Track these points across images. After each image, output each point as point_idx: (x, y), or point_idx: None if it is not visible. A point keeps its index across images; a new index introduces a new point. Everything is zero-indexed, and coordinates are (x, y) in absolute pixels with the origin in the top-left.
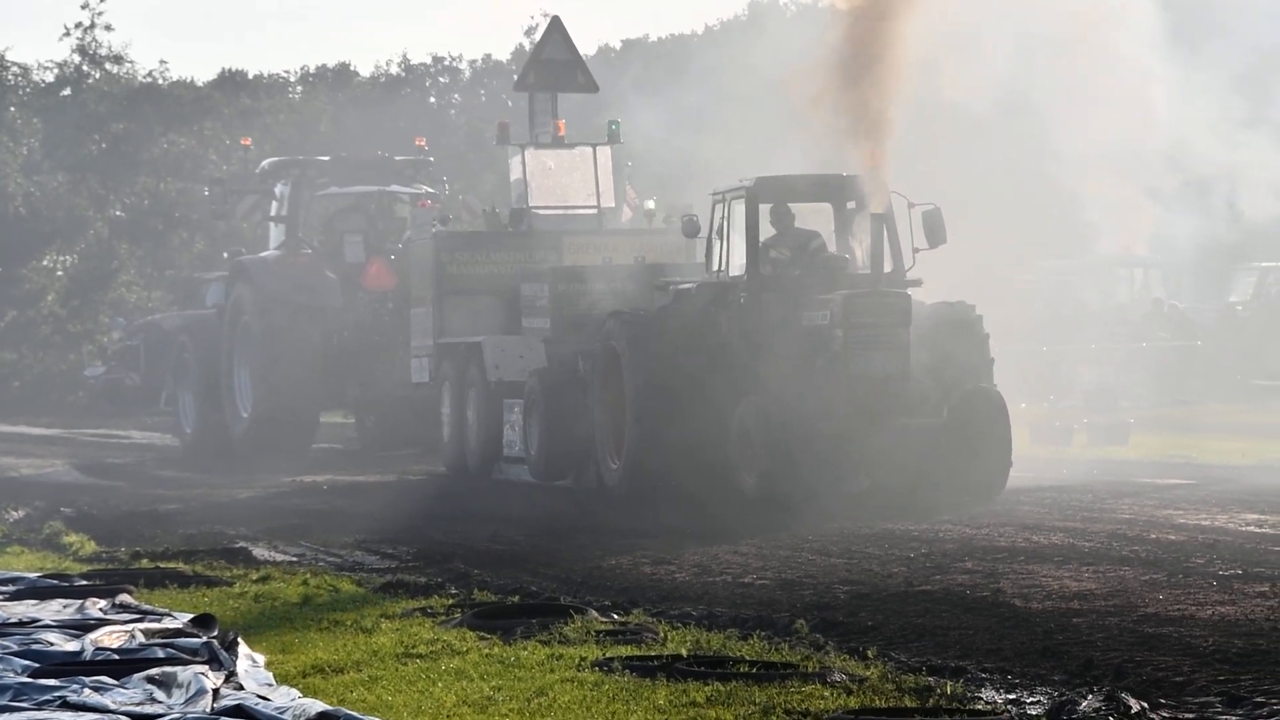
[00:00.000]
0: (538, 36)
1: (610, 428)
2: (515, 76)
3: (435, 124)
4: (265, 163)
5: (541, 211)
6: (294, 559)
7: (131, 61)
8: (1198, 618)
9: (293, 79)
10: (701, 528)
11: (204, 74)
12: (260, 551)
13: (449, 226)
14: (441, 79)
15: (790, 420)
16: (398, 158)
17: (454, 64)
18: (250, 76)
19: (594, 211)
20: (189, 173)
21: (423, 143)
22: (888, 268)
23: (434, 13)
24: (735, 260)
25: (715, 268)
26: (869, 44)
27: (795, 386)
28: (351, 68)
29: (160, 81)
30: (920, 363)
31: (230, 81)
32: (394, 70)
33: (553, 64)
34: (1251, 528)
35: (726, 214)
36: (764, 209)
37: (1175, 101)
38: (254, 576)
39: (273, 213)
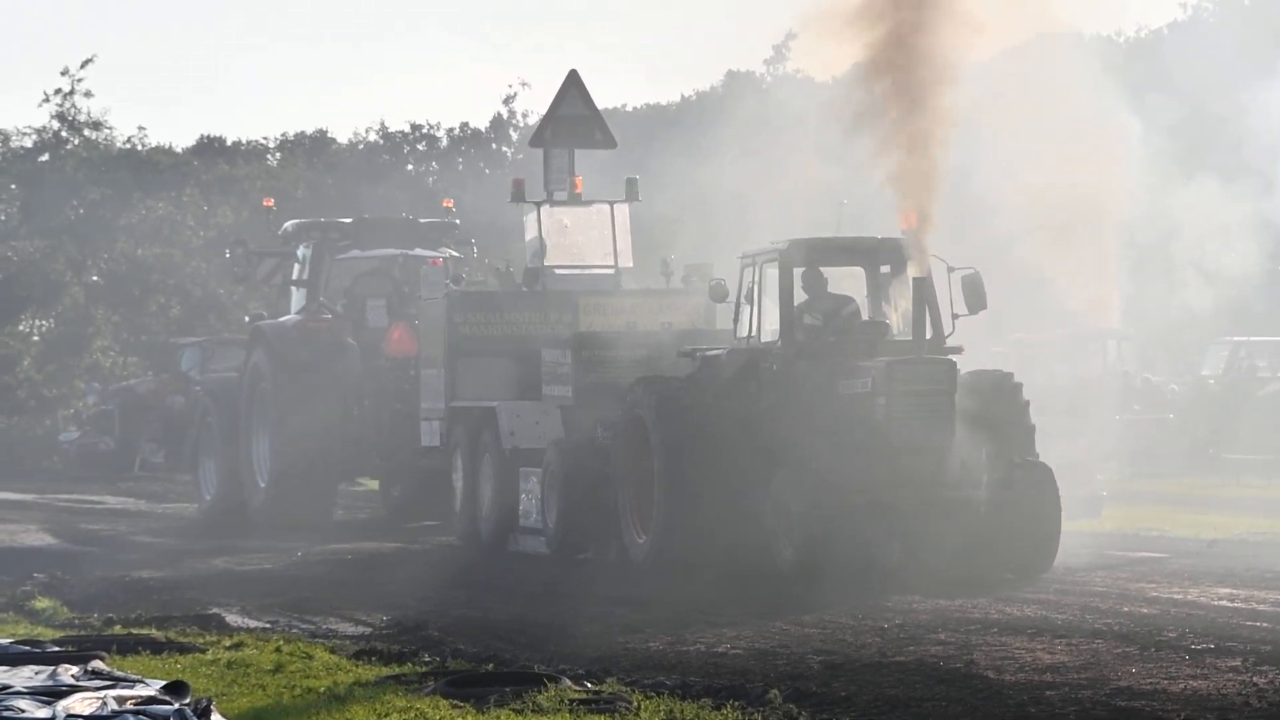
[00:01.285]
0: (516, 105)
1: (635, 499)
2: (494, 144)
3: (414, 192)
4: (287, 224)
5: (558, 271)
6: (267, 626)
7: (110, 128)
8: (1170, 691)
9: (271, 145)
10: (678, 597)
11: (183, 140)
12: (234, 618)
13: (462, 286)
14: (420, 146)
15: (830, 492)
16: (423, 220)
17: (432, 132)
18: (229, 143)
19: (612, 271)
20: (166, 238)
21: (450, 204)
22: (928, 333)
23: (412, 81)
24: (767, 326)
25: (745, 333)
26: (913, 110)
27: (833, 457)
28: (329, 134)
29: (139, 147)
30: (960, 432)
31: (209, 148)
32: (372, 138)
33: (570, 119)
34: (1224, 602)
35: (757, 278)
36: (796, 273)
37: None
38: (227, 643)
39: (294, 276)
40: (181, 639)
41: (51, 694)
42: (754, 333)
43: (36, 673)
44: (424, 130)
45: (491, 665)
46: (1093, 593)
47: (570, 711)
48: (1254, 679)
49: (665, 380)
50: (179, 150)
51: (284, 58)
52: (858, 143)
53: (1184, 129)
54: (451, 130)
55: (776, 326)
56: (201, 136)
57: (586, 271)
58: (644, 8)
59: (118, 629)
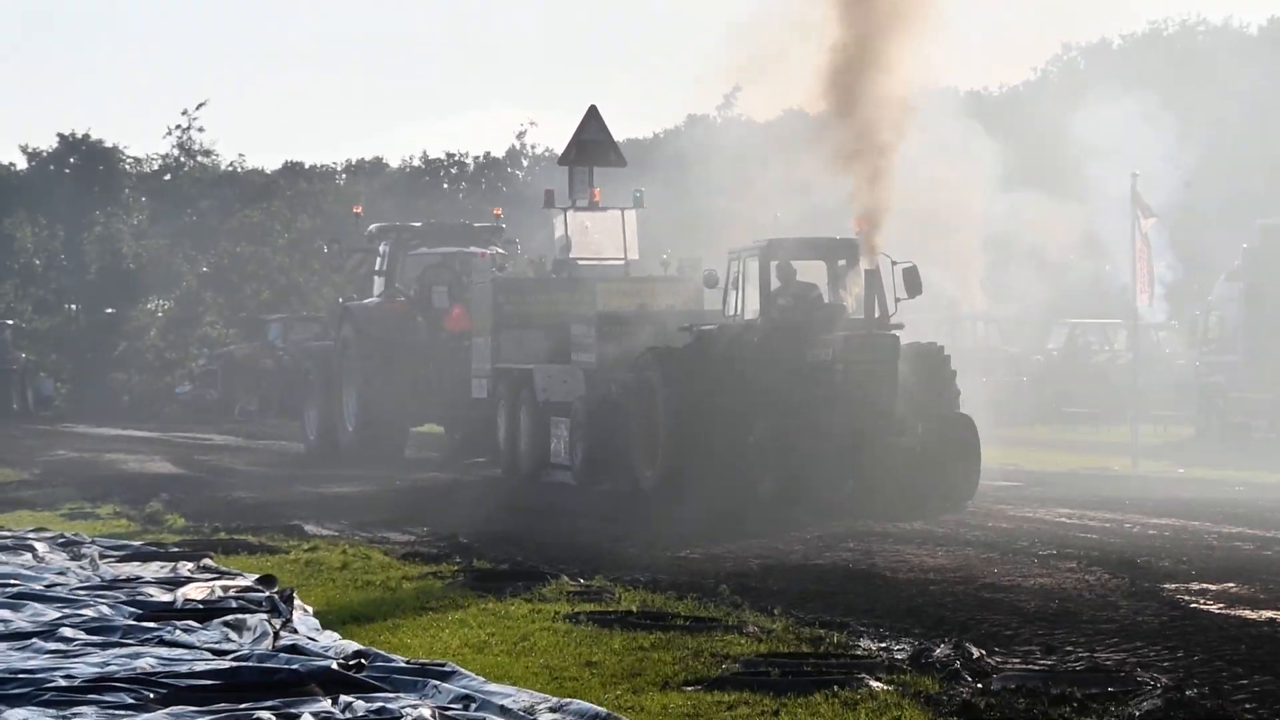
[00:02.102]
0: (528, 139)
1: (645, 442)
2: (509, 169)
3: (450, 206)
4: (372, 226)
5: (580, 262)
6: (336, 534)
7: (217, 154)
8: (1023, 586)
9: (338, 169)
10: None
11: (271, 164)
12: (311, 528)
13: (505, 274)
14: (453, 170)
15: (799, 438)
16: (477, 225)
17: (461, 159)
18: (306, 166)
19: (622, 262)
20: (258, 239)
21: (499, 212)
22: (876, 313)
23: (449, 118)
24: (749, 307)
25: (731, 313)
26: (864, 138)
27: (802, 410)
28: (383, 160)
29: (238, 170)
30: (902, 391)
31: (291, 171)
32: (416, 163)
33: (590, 143)
34: (1063, 519)
35: (741, 269)
36: (772, 265)
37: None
38: (305, 547)
39: (376, 267)
40: (270, 543)
41: (173, 583)
42: (738, 312)
43: (161, 567)
44: (456, 158)
45: (507, 565)
46: (966, 512)
47: (567, 600)
48: (1086, 576)
49: (669, 350)
50: (268, 171)
51: (349, 100)
52: (812, 165)
53: (1029, 156)
54: (477, 158)
55: (756, 308)
56: (286, 161)
57: (603, 262)
58: (622, 65)
59: (222, 535)
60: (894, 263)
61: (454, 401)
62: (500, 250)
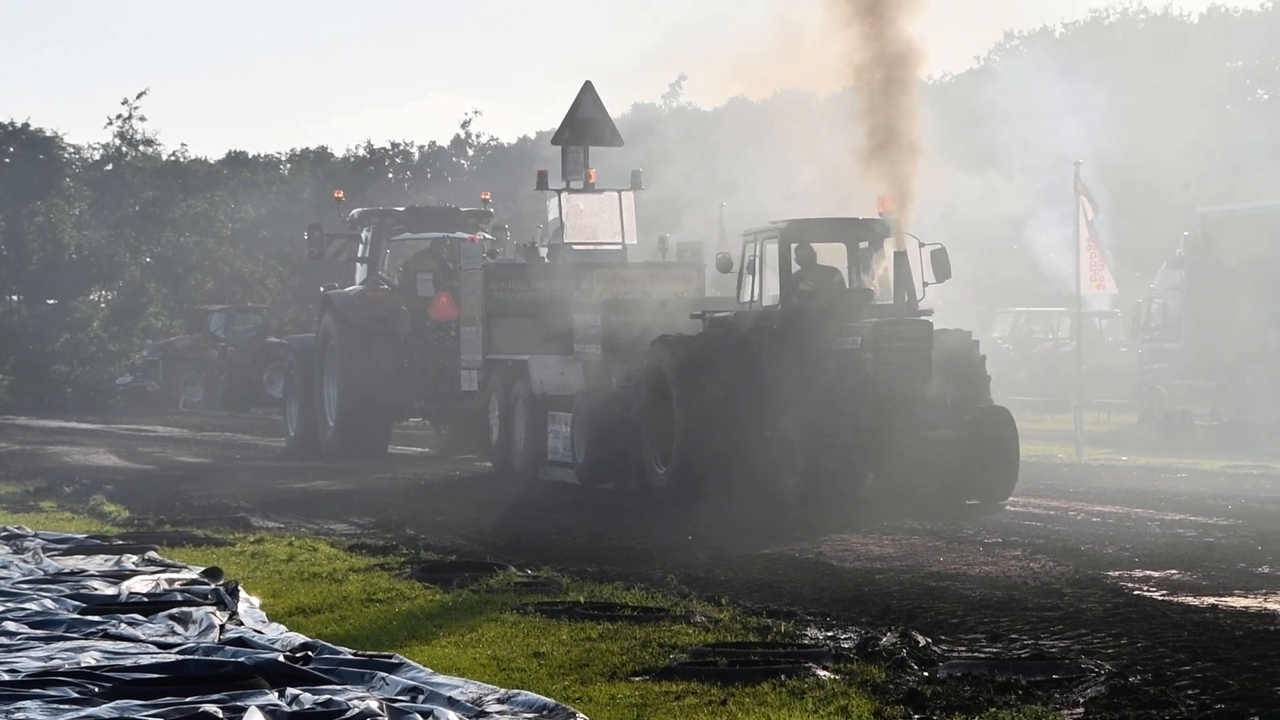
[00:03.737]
0: (472, 128)
1: (655, 438)
2: (454, 158)
3: (392, 195)
4: (354, 211)
5: (575, 247)
6: (282, 526)
7: (159, 144)
8: (969, 575)
9: (283, 158)
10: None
11: (214, 153)
12: (256, 520)
13: (496, 260)
14: (398, 160)
15: (826, 431)
16: (463, 209)
17: (407, 148)
18: (250, 156)
19: (619, 247)
20: (202, 229)
21: (487, 196)
22: (904, 299)
23: (393, 107)
24: (768, 292)
25: (748, 298)
26: (895, 118)
27: (828, 402)
28: (328, 150)
29: (181, 159)
30: (933, 381)
31: (235, 160)
32: (361, 153)
33: (585, 122)
34: (1009, 507)
35: (758, 252)
36: (792, 247)
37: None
38: (251, 539)
39: (358, 254)
40: (216, 535)
41: (117, 576)
42: (755, 298)
43: (105, 560)
44: (401, 147)
45: (454, 557)
46: (911, 501)
47: (515, 591)
48: (1030, 565)
49: (682, 338)
50: (212, 161)
51: (293, 89)
52: (802, 145)
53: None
54: (422, 147)
55: (776, 293)
56: (229, 151)
57: (599, 247)
58: (563, 51)
59: (167, 527)
60: (921, 244)
61: (440, 394)
62: (489, 235)
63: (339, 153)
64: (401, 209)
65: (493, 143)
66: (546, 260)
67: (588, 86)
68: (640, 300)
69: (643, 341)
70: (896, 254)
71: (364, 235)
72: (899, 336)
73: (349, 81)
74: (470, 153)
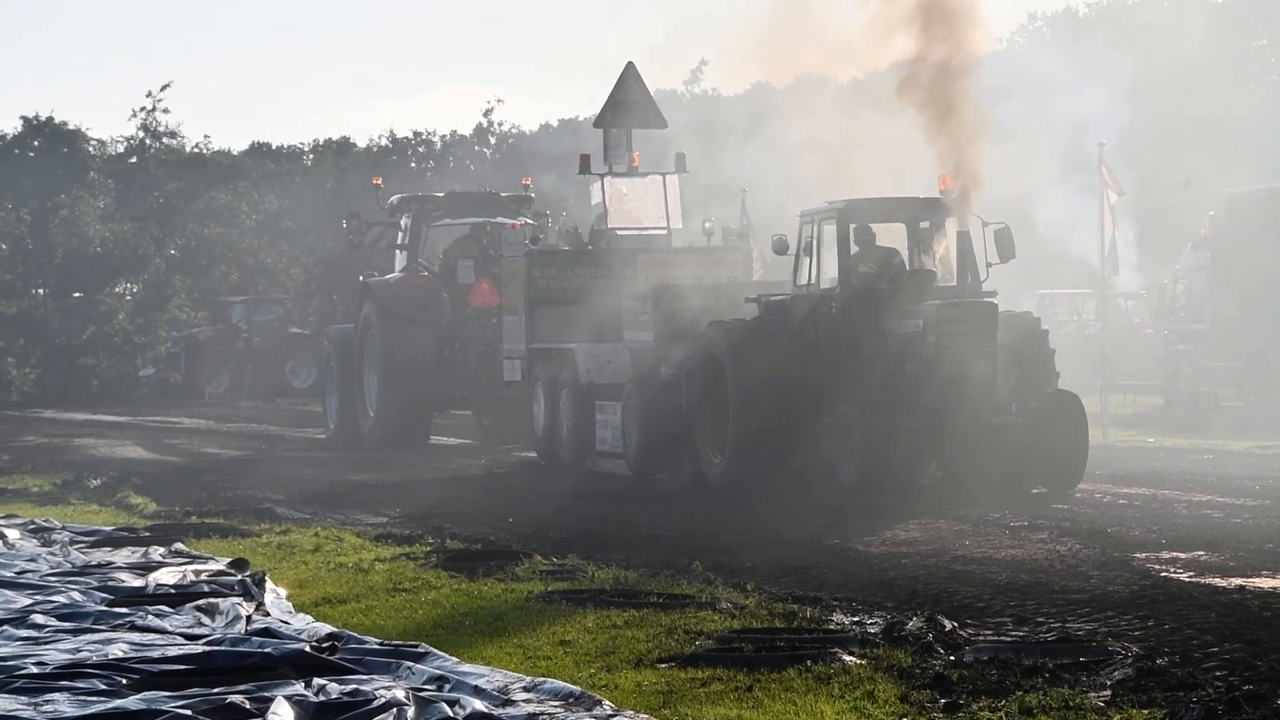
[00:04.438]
0: (495, 117)
1: (710, 426)
2: (476, 146)
3: (415, 184)
4: (393, 198)
5: (618, 232)
6: (309, 516)
7: (183, 136)
8: (995, 558)
9: (306, 149)
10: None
11: (238, 145)
12: (282, 511)
13: (539, 246)
14: (420, 149)
15: (887, 418)
16: (503, 194)
17: (429, 138)
18: (273, 147)
19: (664, 232)
20: (226, 221)
21: (528, 181)
22: (968, 280)
23: (415, 97)
24: (826, 274)
25: (805, 281)
26: (957, 96)
27: (889, 388)
28: (350, 140)
29: (204, 151)
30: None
31: (258, 151)
32: (384, 142)
33: (627, 104)
34: (1035, 491)
35: (815, 233)
36: (850, 227)
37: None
38: (277, 530)
39: (397, 241)
40: (243, 526)
41: (144, 568)
42: (813, 281)
43: (133, 552)
44: (423, 136)
45: (480, 545)
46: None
47: (540, 579)
48: (1057, 547)
49: (737, 323)
50: (235, 153)
51: (315, 80)
52: (839, 126)
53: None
54: (444, 136)
55: (834, 275)
56: (252, 142)
57: (643, 232)
58: (584, 37)
59: (194, 519)
60: (985, 224)
61: (482, 383)
62: (530, 221)
63: (361, 143)
64: (441, 194)
65: (514, 130)
66: (590, 247)
67: (630, 68)
68: (692, 286)
69: (696, 328)
70: (960, 233)
71: (403, 222)
72: (962, 319)
73: (370, 72)
74: (493, 141)
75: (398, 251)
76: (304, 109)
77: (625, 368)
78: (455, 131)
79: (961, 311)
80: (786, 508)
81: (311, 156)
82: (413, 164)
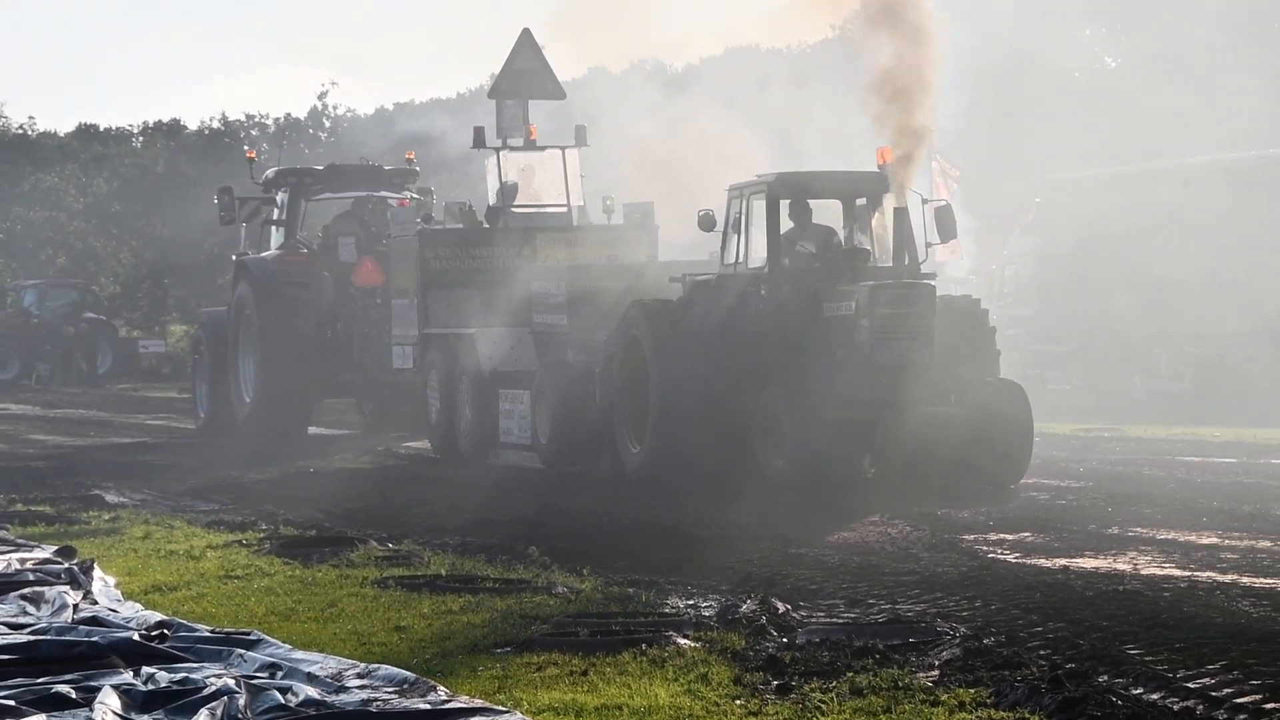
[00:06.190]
0: (329, 100)
1: (629, 414)
2: (311, 130)
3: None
4: (268, 172)
5: (516, 210)
6: (138, 503)
7: (6, 117)
8: (828, 541)
9: (135, 130)
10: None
11: (64, 126)
12: (111, 497)
13: (433, 225)
14: (253, 132)
15: (816, 407)
16: (387, 168)
17: (262, 120)
18: (101, 128)
19: (564, 210)
20: (53, 204)
21: (411, 156)
22: (905, 261)
23: (247, 78)
24: (755, 253)
25: (732, 260)
26: (896, 64)
27: (819, 375)
28: (181, 122)
29: (29, 133)
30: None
31: (85, 133)
32: (215, 125)
33: (523, 73)
34: (866, 473)
35: (744, 209)
36: (783, 204)
37: None
38: (106, 517)
39: (273, 217)
40: (70, 514)
41: None
42: (741, 260)
43: None
44: (256, 119)
45: (314, 532)
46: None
47: (376, 565)
48: (888, 530)
49: (659, 303)
50: (61, 134)
51: (145, 59)
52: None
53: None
54: (278, 119)
55: (764, 254)
56: (80, 124)
57: (542, 210)
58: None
59: (19, 506)
60: (924, 200)
61: (366, 367)
62: (417, 196)
63: (192, 125)
64: (320, 168)
65: (350, 114)
66: (485, 225)
67: (526, 35)
68: (607, 266)
69: (613, 311)
70: (897, 210)
71: (279, 197)
72: (898, 302)
73: (203, 53)
74: (327, 124)
75: (274, 228)
76: (132, 91)
77: (531, 354)
78: (290, 114)
79: (897, 293)
80: (612, 491)
81: (141, 139)
82: (245, 147)
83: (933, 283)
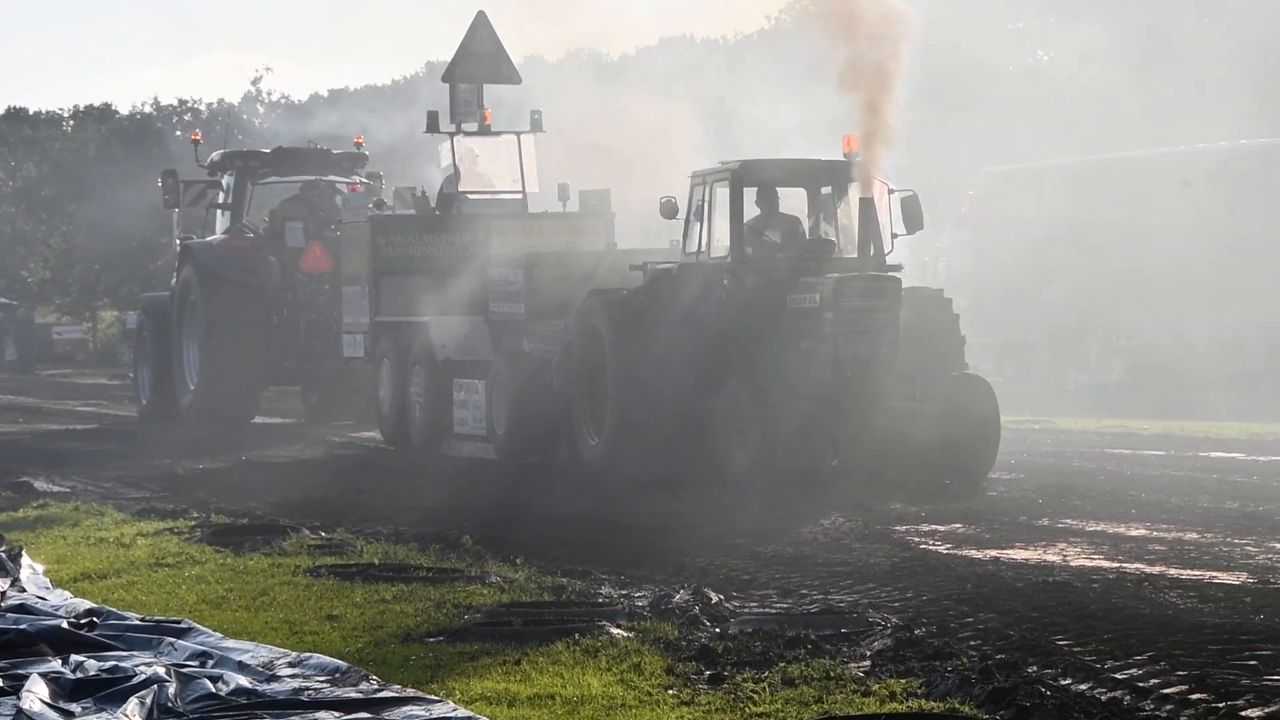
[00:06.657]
0: (263, 86)
1: (588, 404)
2: (245, 116)
3: (182, 154)
4: (213, 155)
5: (470, 196)
6: (68, 490)
7: None
8: (761, 531)
9: (66, 114)
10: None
11: None
12: (40, 484)
13: (384, 211)
14: (186, 117)
15: (780, 401)
16: (335, 151)
17: (195, 105)
18: (31, 112)
19: (519, 196)
20: None
21: (360, 140)
22: (870, 251)
23: (181, 63)
24: (717, 242)
25: (694, 249)
26: (862, 49)
27: (782, 367)
28: (113, 107)
29: None
30: (902, 345)
31: (14, 116)
32: (147, 109)
33: (479, 56)
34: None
35: (707, 196)
36: (748, 192)
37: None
38: (34, 504)
39: (219, 200)
40: None
41: None
42: (703, 249)
43: None
44: (189, 104)
45: (246, 520)
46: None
47: (308, 554)
48: (821, 521)
49: (619, 292)
50: None
51: (75, 43)
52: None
53: None
54: (211, 104)
55: (726, 243)
56: (8, 108)
57: (496, 197)
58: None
59: None
60: (891, 190)
61: (313, 354)
62: (367, 181)
63: (124, 109)
64: (267, 151)
65: (284, 100)
66: (438, 212)
67: (481, 18)
68: (565, 253)
69: (571, 299)
70: (862, 200)
71: (225, 181)
72: (864, 295)
73: (134, 37)
74: (261, 110)
75: (219, 212)
76: (63, 73)
77: (485, 343)
78: (223, 100)
79: (862, 285)
80: (566, 483)
81: (72, 123)
82: (178, 132)
83: (899, 275)
